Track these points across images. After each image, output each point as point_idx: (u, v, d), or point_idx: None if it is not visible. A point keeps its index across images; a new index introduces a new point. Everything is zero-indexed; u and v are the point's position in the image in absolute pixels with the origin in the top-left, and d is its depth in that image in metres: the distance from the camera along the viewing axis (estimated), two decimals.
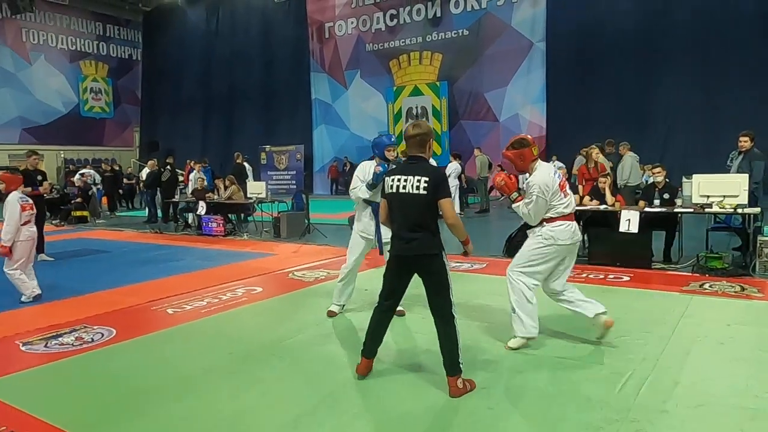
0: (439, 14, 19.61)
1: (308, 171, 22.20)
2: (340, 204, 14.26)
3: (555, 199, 3.96)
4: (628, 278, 6.26)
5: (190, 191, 12.98)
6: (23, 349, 4.37)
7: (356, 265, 4.99)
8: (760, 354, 3.91)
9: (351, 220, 8.95)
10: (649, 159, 11.08)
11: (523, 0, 17.90)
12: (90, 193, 14.46)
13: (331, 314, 5.06)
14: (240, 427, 3.03)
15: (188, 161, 16.07)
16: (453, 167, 13.29)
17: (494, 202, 14.90)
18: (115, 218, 15.23)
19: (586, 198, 7.75)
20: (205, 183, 12.42)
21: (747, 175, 6.74)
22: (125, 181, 18.00)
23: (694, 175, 7.11)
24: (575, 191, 8.03)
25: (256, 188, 11.24)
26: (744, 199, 6.51)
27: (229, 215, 11.32)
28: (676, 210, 7.06)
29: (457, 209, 13.34)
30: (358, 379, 3.58)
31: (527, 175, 4.13)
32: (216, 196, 11.63)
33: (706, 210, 6.76)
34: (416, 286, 3.56)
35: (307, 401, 3.33)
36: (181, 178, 14.67)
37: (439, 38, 19.65)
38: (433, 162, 12.32)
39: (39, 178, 8.57)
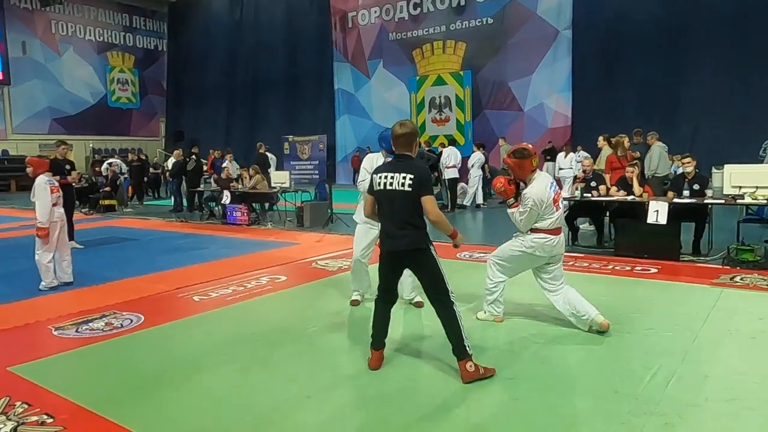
0: (463, 2, 19.38)
1: (331, 161, 22.25)
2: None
3: (546, 212, 4.14)
4: (656, 270, 6.16)
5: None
6: (55, 333, 4.49)
7: (364, 255, 4.99)
8: None
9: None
10: (677, 149, 10.83)
11: None
12: (118, 182, 14.72)
13: (354, 303, 5.09)
14: (256, 404, 3.07)
15: (211, 151, 16.22)
16: (476, 157, 13.19)
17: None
18: (142, 207, 15.48)
19: (613, 189, 7.63)
20: (231, 172, 12.53)
21: None
22: (151, 170, 18.26)
23: (725, 166, 6.94)
24: (599, 181, 7.91)
25: (279, 178, 11.32)
26: None
27: (253, 204, 11.42)
28: (706, 201, 6.90)
29: (480, 200, 13.26)
30: (374, 370, 3.60)
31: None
32: (240, 186, 11.73)
33: (738, 201, 6.60)
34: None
35: (320, 382, 3.35)
36: (205, 168, 14.84)
37: (463, 27, 19.42)
38: (456, 149, 12.21)
39: (67, 167, 8.74)
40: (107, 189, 14.43)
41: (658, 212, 6.65)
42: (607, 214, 7.78)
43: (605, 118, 15.36)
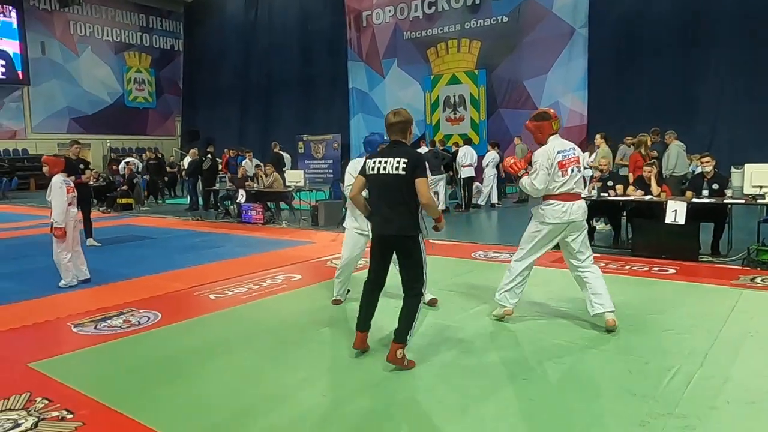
0: (477, 1, 19.27)
1: (345, 160, 22.23)
2: None
3: (553, 177, 4.11)
4: (674, 271, 6.08)
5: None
6: (74, 330, 4.54)
7: (351, 261, 4.99)
8: None
9: None
10: (695, 148, 10.70)
11: None
12: (135, 181, 14.88)
13: (336, 302, 5.10)
14: (270, 400, 3.09)
15: (226, 150, 16.32)
16: (491, 156, 13.13)
17: None
18: (159, 205, 15.63)
19: (631, 188, 7.55)
20: (247, 170, 12.60)
21: None
22: (168, 169, 18.43)
23: (745, 165, 6.82)
24: (616, 180, 7.82)
25: (294, 177, 11.36)
26: None
27: (268, 203, 11.48)
28: (725, 201, 6.80)
29: (495, 199, 13.20)
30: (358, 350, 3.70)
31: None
32: (255, 185, 11.79)
33: (759, 201, 6.49)
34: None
35: (344, 386, 3.36)
36: (220, 167, 14.94)
37: (478, 25, 19.32)
38: (471, 149, 12.17)
39: (81, 166, 8.81)
40: (124, 188, 14.59)
41: (676, 212, 6.56)
42: (624, 213, 7.71)
43: (621, 117, 15.19)
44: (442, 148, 13.98)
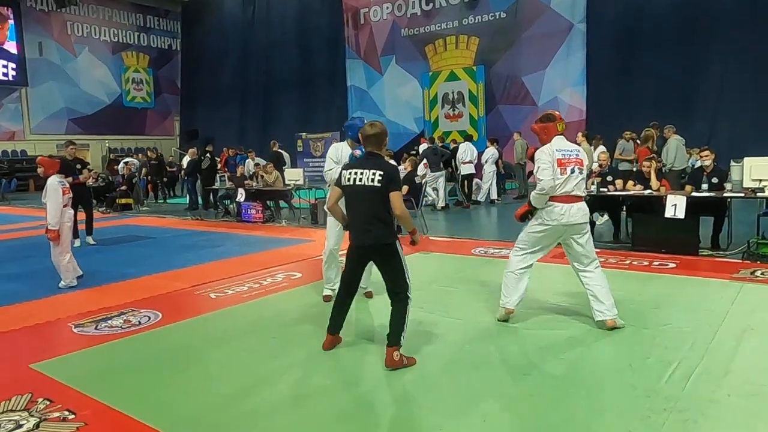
0: None
1: None
2: None
3: (555, 175, 4.08)
4: (674, 265, 6.08)
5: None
6: (75, 331, 4.55)
7: (336, 245, 5.08)
8: None
9: None
10: (694, 142, 10.70)
11: None
12: (134, 180, 14.87)
13: (327, 299, 5.08)
14: (274, 403, 3.09)
15: (225, 149, 16.31)
16: (490, 153, 13.11)
17: (533, 187, 14.66)
18: (159, 205, 15.62)
19: (630, 183, 7.54)
20: (250, 169, 12.58)
21: None
22: (167, 169, 18.42)
23: (745, 158, 6.82)
24: (615, 175, 7.82)
25: (293, 175, 11.35)
26: None
27: (268, 202, 11.47)
28: (725, 195, 6.80)
29: (494, 195, 13.19)
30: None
31: None
32: (255, 183, 11.78)
33: (758, 195, 6.49)
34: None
35: (343, 376, 3.36)
36: (218, 166, 14.92)
37: (476, 21, 19.30)
38: (471, 145, 12.21)
39: (78, 166, 8.82)
40: (123, 188, 14.59)
41: (676, 206, 6.56)
42: (624, 208, 7.70)
43: (620, 111, 15.21)
44: (441, 144, 13.97)
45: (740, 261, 6.13)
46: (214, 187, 13.07)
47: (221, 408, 3.12)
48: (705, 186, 6.94)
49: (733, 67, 14.66)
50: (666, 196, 6.77)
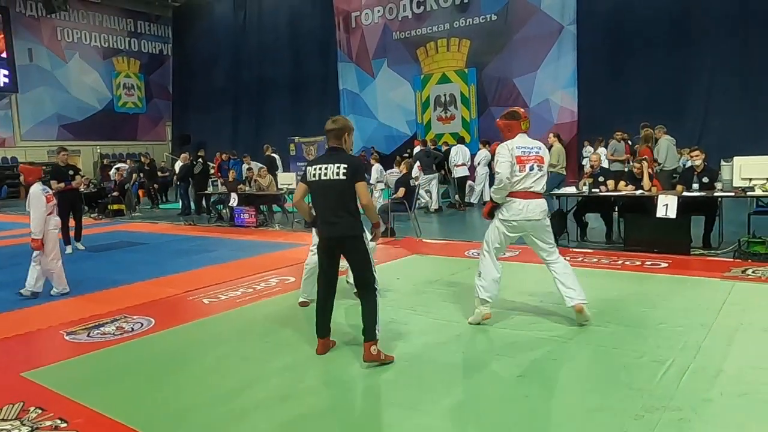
0: (466, 0, 19.33)
1: None
2: (370, 194, 14.28)
3: (513, 171, 4.14)
4: (666, 264, 6.11)
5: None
6: (67, 338, 4.51)
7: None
8: None
9: (381, 210, 8.99)
10: (685, 142, 10.76)
11: None
12: (126, 186, 14.80)
13: (303, 304, 5.06)
14: (267, 405, 3.08)
15: (218, 154, 16.27)
16: (483, 155, 13.15)
17: None
18: (150, 211, 15.55)
19: (621, 183, 7.58)
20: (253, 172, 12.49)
21: None
22: (159, 174, 18.37)
23: (734, 158, 6.88)
24: (607, 176, 7.85)
25: (286, 179, 11.34)
26: None
27: (261, 206, 11.45)
28: (716, 194, 6.85)
29: (487, 197, 13.19)
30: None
31: None
32: (248, 188, 11.76)
33: (748, 194, 6.54)
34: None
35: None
36: (211, 171, 14.89)
37: (467, 24, 19.36)
38: (464, 147, 12.21)
39: (71, 172, 8.78)
40: (115, 194, 14.51)
41: (667, 206, 6.60)
42: (616, 209, 7.74)
43: (612, 112, 15.27)
44: (433, 147, 14.00)
45: (731, 260, 6.17)
46: (206, 192, 13.04)
47: (214, 413, 3.10)
48: (696, 186, 6.98)
49: (722, 68, 14.77)
50: (657, 196, 6.80)
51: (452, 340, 4.12)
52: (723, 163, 9.75)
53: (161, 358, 4.05)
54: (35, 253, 5.82)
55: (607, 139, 11.60)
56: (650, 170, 7.76)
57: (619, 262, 6.34)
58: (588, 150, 14.84)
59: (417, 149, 13.54)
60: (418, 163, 12.27)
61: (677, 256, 6.40)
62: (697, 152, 7.16)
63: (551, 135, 10.25)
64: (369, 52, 21.75)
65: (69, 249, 8.69)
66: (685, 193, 6.87)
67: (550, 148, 9.87)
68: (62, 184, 8.41)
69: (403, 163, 10.12)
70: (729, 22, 14.62)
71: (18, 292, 5.83)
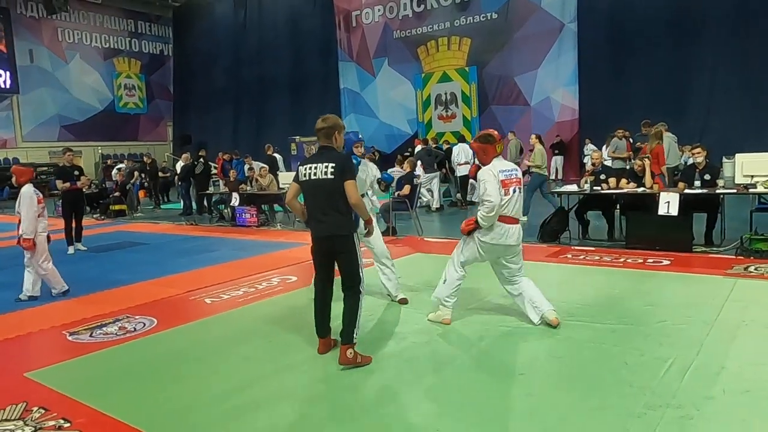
0: None
1: None
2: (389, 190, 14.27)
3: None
4: (668, 262, 6.11)
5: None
6: (70, 338, 4.52)
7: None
8: None
9: (383, 209, 8.99)
10: (687, 139, 10.75)
11: None
12: (127, 187, 14.82)
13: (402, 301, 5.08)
14: (270, 406, 3.09)
15: (220, 154, 16.26)
16: None
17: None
18: (151, 211, 15.57)
19: (623, 181, 7.57)
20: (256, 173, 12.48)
21: None
22: (160, 174, 18.38)
23: (736, 155, 6.87)
24: (608, 174, 7.84)
25: (288, 178, 11.32)
26: None
27: (262, 206, 11.45)
28: (718, 191, 6.83)
29: None
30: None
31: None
32: (249, 187, 11.77)
33: (750, 190, 6.52)
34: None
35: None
36: (213, 171, 14.89)
37: (468, 22, 19.36)
38: (466, 146, 12.21)
39: (76, 173, 8.87)
40: (117, 194, 14.53)
41: (669, 203, 6.59)
42: (618, 206, 7.73)
43: (613, 110, 15.26)
44: (434, 146, 13.98)
45: (734, 257, 6.16)
46: (208, 192, 13.05)
47: (216, 412, 3.11)
48: (697, 183, 6.97)
49: (723, 65, 14.75)
50: (659, 193, 6.79)
51: (453, 339, 4.12)
52: (725, 160, 9.76)
53: (163, 358, 4.06)
54: (26, 256, 5.79)
55: (609, 136, 11.57)
56: (660, 169, 7.71)
57: (621, 259, 6.33)
58: (589, 148, 14.81)
59: (418, 148, 13.51)
60: (419, 162, 12.26)
61: (679, 253, 6.39)
62: (698, 149, 7.15)
63: (533, 136, 10.31)
64: (369, 51, 21.76)
65: (71, 249, 8.72)
66: (687, 191, 6.86)
67: (531, 150, 9.93)
68: (68, 184, 8.60)
69: (406, 162, 10.12)
70: (730, 20, 14.61)
71: (17, 299, 5.81)
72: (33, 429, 2.98)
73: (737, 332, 3.92)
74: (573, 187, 8.24)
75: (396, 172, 11.34)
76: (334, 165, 3.56)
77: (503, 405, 3.07)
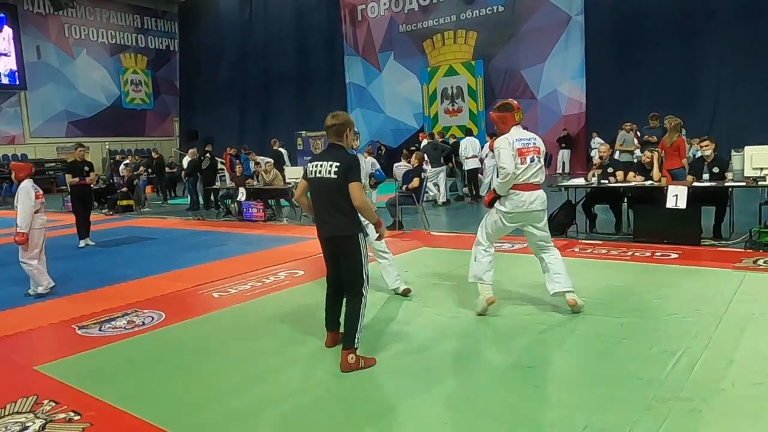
0: None
1: None
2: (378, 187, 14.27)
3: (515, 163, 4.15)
4: (677, 255, 6.07)
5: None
6: (79, 332, 4.56)
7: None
8: None
9: (389, 203, 8.99)
10: (695, 133, 10.66)
11: None
12: (135, 182, 14.89)
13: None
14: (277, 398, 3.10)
15: (228, 148, 16.29)
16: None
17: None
18: (158, 206, 15.64)
19: (631, 174, 7.53)
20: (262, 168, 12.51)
21: None
22: (167, 170, 18.45)
23: (745, 147, 6.81)
24: (616, 167, 7.80)
25: (294, 173, 11.34)
26: None
27: (269, 201, 11.48)
28: (726, 184, 6.78)
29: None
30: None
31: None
32: (255, 182, 11.79)
33: (760, 183, 6.47)
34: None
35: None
36: (220, 166, 14.92)
37: (474, 16, 19.26)
38: (474, 139, 12.15)
39: (86, 168, 8.96)
40: (124, 189, 14.60)
41: (677, 197, 6.55)
42: (625, 200, 7.69)
43: (620, 103, 15.17)
44: (441, 140, 13.94)
45: (743, 250, 6.12)
46: (214, 186, 13.09)
47: (225, 406, 3.12)
48: (706, 176, 6.92)
49: (731, 57, 14.61)
50: (667, 186, 6.75)
51: (460, 332, 4.13)
52: (733, 152, 9.68)
53: (172, 352, 4.08)
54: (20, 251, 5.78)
55: (616, 129, 11.49)
56: (682, 162, 7.63)
57: (629, 253, 6.30)
58: (596, 141, 14.75)
59: (424, 143, 13.48)
60: (425, 156, 12.23)
61: (687, 247, 6.36)
62: (707, 142, 7.09)
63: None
64: (375, 45, 21.71)
65: (82, 243, 8.85)
66: (695, 184, 6.81)
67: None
68: (76, 179, 8.71)
69: (414, 157, 10.10)
70: (738, 12, 14.46)
71: (26, 294, 5.86)
72: (44, 421, 3.00)
73: (746, 325, 3.89)
74: (580, 181, 8.20)
75: (402, 166, 11.33)
76: (339, 164, 3.46)
77: (511, 398, 3.07)
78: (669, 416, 2.72)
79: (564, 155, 17.21)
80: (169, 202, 16.54)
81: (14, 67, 23.27)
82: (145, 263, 7.38)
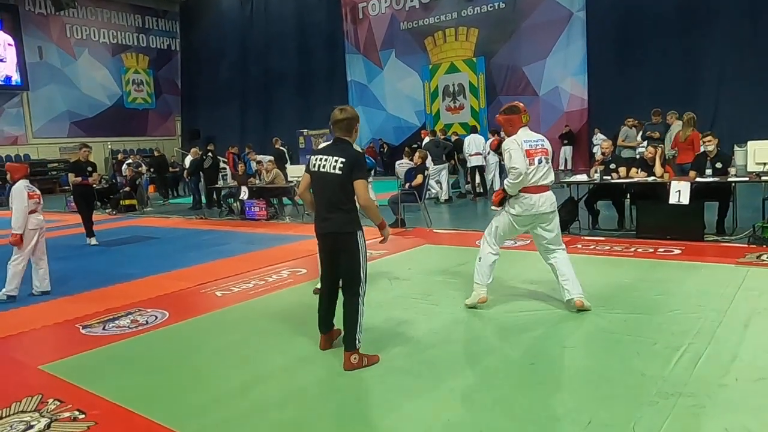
0: None
1: None
2: (379, 185, 14.24)
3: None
4: (680, 251, 6.06)
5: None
6: (83, 332, 4.57)
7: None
8: None
9: (392, 201, 8.99)
10: (698, 128, 10.62)
11: None
12: (137, 182, 14.92)
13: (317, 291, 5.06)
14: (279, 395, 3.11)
15: (230, 147, 16.31)
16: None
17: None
18: (161, 206, 15.67)
19: (633, 170, 7.52)
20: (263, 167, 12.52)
21: None
22: (170, 169, 18.48)
23: (748, 142, 6.79)
24: (618, 163, 7.79)
25: (296, 172, 11.34)
26: None
27: (271, 199, 11.49)
28: (729, 179, 6.77)
29: (497, 186, 13.14)
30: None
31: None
32: (258, 181, 11.80)
33: (763, 178, 6.45)
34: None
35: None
36: (222, 165, 14.94)
37: (475, 13, 19.22)
38: (478, 136, 12.13)
39: (89, 169, 8.98)
40: (127, 189, 14.63)
41: (680, 192, 6.53)
42: (628, 196, 7.68)
43: (622, 99, 15.12)
44: (443, 137, 13.93)
45: (746, 245, 6.10)
46: (217, 186, 13.10)
47: (229, 404, 3.13)
48: (709, 171, 6.91)
49: (734, 52, 14.55)
50: (670, 182, 6.74)
51: (463, 329, 4.13)
52: (736, 148, 9.65)
53: (176, 351, 4.10)
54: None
55: (618, 125, 11.47)
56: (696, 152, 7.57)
57: (632, 249, 6.29)
58: (599, 137, 14.71)
59: (426, 140, 13.47)
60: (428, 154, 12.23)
61: (691, 242, 6.35)
62: (709, 137, 7.07)
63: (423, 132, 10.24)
64: (376, 42, 21.68)
65: (94, 241, 8.99)
66: (698, 179, 6.80)
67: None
68: (79, 179, 8.75)
69: (417, 154, 10.09)
70: (740, 8, 14.39)
71: (30, 294, 5.87)
72: (49, 420, 3.02)
73: (750, 321, 3.88)
74: (583, 177, 8.19)
75: (404, 164, 11.33)
76: (344, 160, 3.37)
77: (513, 394, 3.07)
78: (673, 411, 2.72)
79: (566, 152, 17.19)
80: (170, 201, 16.56)
81: (16, 68, 23.30)
82: (149, 262, 7.39)
